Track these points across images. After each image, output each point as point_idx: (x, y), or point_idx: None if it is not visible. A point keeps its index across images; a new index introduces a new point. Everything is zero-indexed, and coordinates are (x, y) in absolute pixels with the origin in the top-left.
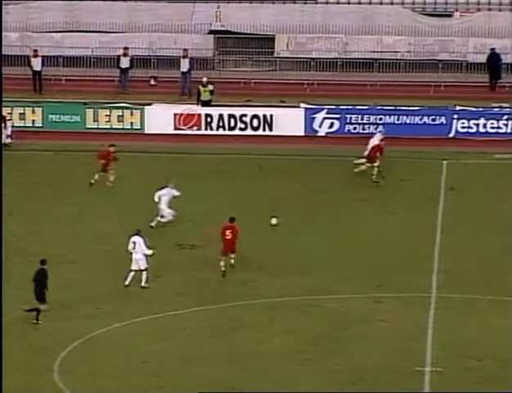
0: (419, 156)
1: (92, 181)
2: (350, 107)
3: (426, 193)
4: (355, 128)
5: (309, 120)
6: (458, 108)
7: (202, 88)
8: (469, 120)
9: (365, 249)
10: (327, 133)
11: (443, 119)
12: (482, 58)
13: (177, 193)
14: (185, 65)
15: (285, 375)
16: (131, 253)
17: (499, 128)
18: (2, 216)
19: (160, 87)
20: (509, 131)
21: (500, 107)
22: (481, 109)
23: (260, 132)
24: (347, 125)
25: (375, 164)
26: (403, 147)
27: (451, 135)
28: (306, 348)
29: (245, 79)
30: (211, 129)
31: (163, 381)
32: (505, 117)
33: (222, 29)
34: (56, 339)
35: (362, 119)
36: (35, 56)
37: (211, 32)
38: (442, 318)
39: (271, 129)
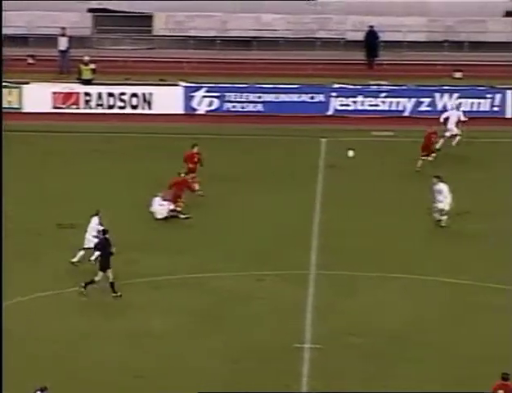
0: (298, 134)
1: None
2: (229, 85)
3: (305, 171)
4: (234, 107)
5: (188, 99)
6: (336, 86)
7: (83, 67)
8: (347, 98)
9: (247, 227)
10: (206, 111)
11: (321, 97)
12: (361, 36)
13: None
14: (63, 44)
15: (170, 352)
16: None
17: (377, 105)
18: (1, 217)
19: (39, 65)
20: (386, 108)
21: (378, 85)
22: (359, 86)
23: (139, 110)
24: (226, 103)
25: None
26: (282, 125)
27: (329, 113)
28: (190, 326)
29: (124, 57)
30: (90, 108)
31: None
32: (383, 94)
33: (100, 7)
34: None
35: (241, 98)
36: None
37: (89, 10)
38: (321, 295)
39: (150, 108)
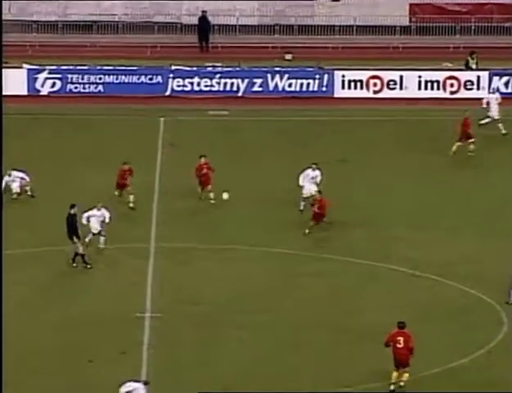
0: (138, 114)
1: None
2: (71, 67)
3: (145, 149)
4: (76, 88)
5: (32, 80)
6: (173, 68)
7: None
8: (184, 79)
9: (85, 203)
10: (49, 92)
11: (160, 79)
12: (195, 20)
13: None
14: None
15: (17, 325)
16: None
17: (212, 86)
18: (1, 218)
19: None
20: (221, 89)
21: (213, 66)
22: (195, 68)
23: None
24: (68, 85)
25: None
26: (122, 105)
27: (167, 93)
28: (34, 298)
29: None
30: None
31: None
32: (218, 76)
33: None
34: None
35: (83, 79)
36: None
37: None
38: (160, 266)
39: None
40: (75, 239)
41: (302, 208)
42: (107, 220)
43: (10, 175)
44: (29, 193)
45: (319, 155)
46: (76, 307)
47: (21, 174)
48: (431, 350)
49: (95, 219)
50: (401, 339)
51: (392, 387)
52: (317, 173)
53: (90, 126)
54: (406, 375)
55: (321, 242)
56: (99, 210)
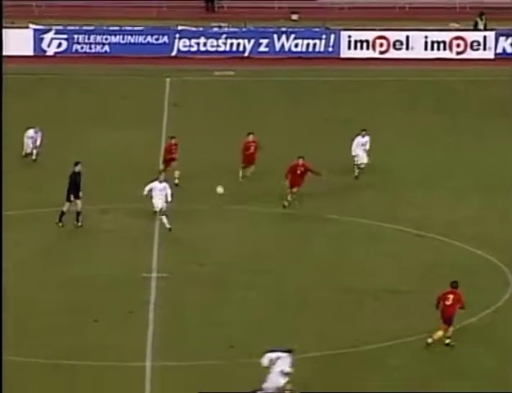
0: (144, 74)
1: None
2: (77, 28)
3: (150, 109)
4: (82, 48)
5: (38, 40)
6: (179, 28)
7: None
8: (190, 39)
9: (93, 163)
10: (55, 52)
11: (166, 39)
12: None
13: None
14: None
15: (15, 286)
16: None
17: (218, 46)
18: (1, 217)
19: None
20: (227, 49)
21: (220, 27)
22: (201, 29)
23: None
24: (74, 45)
25: None
26: (128, 66)
27: (173, 54)
28: (33, 259)
29: None
30: None
31: None
32: (224, 36)
33: None
34: None
35: (89, 39)
36: None
37: None
38: (165, 228)
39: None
40: (72, 198)
41: (356, 174)
42: (169, 198)
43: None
44: (33, 157)
45: (324, 114)
46: (81, 267)
47: (34, 135)
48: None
49: (157, 193)
50: (450, 297)
51: (429, 340)
52: (367, 139)
53: (95, 86)
54: (451, 329)
55: (326, 203)
56: (161, 182)
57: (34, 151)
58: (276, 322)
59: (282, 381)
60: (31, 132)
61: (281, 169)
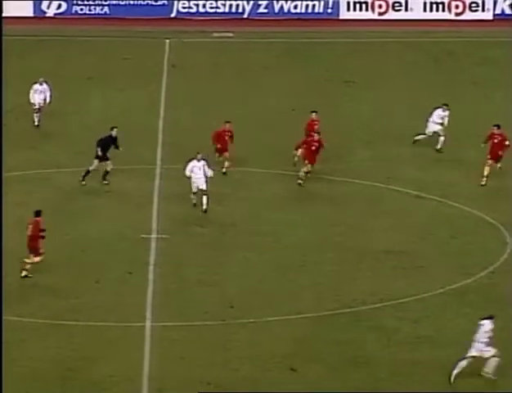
0: (143, 36)
1: None
2: None
3: (150, 70)
4: (82, 9)
5: (38, 2)
6: None
7: None
8: (189, 1)
9: (93, 126)
10: (55, 13)
11: (165, 0)
12: None
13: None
14: None
15: (16, 247)
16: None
17: (217, 7)
18: (1, 218)
19: None
20: (226, 10)
21: None
22: None
23: None
24: (74, 6)
25: None
26: (128, 27)
27: (172, 15)
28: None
29: None
30: None
31: None
32: None
33: None
34: None
35: (89, 1)
36: None
37: None
38: (166, 188)
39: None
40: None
41: (439, 147)
42: (208, 174)
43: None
44: (36, 124)
45: (324, 75)
46: (81, 228)
47: (41, 88)
48: (435, 271)
49: (197, 171)
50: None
51: None
52: (447, 113)
53: (95, 48)
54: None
55: (325, 164)
56: (199, 160)
57: (43, 105)
58: (275, 282)
59: (487, 348)
60: (37, 86)
61: (282, 128)
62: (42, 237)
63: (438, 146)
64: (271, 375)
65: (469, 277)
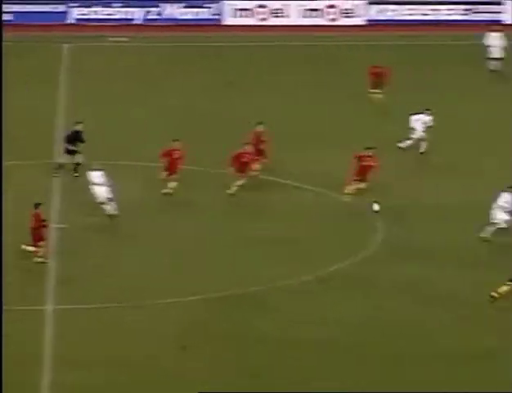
0: (42, 40)
1: None
2: None
3: (48, 74)
4: None
5: None
6: None
7: None
8: (86, 8)
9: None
10: None
11: (63, 8)
12: None
13: None
14: None
15: None
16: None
17: (113, 14)
18: (1, 218)
19: None
20: (122, 17)
21: None
22: None
23: None
24: None
25: None
26: (27, 33)
27: (69, 21)
28: None
29: None
30: None
31: None
32: (117, 5)
33: None
34: None
35: None
36: None
37: None
38: (65, 182)
39: None
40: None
41: (422, 151)
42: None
43: None
44: None
45: (207, 78)
46: None
47: None
48: (314, 257)
49: (99, 180)
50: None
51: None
52: (430, 118)
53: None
54: None
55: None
56: (97, 171)
57: None
58: (169, 268)
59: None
60: None
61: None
62: (45, 227)
63: (421, 150)
64: (168, 353)
65: (340, 262)
